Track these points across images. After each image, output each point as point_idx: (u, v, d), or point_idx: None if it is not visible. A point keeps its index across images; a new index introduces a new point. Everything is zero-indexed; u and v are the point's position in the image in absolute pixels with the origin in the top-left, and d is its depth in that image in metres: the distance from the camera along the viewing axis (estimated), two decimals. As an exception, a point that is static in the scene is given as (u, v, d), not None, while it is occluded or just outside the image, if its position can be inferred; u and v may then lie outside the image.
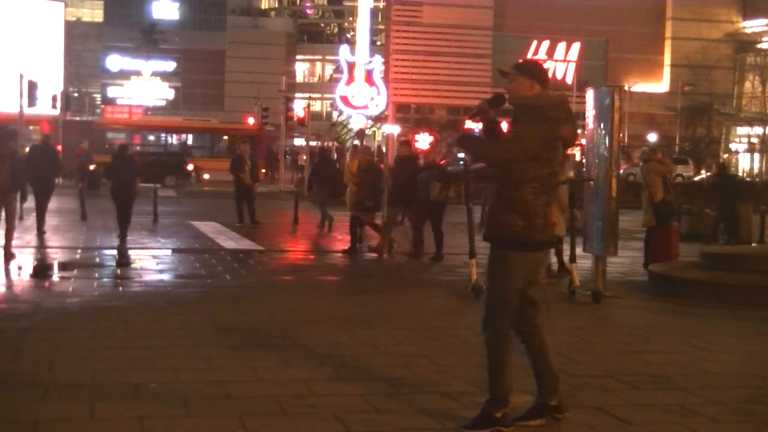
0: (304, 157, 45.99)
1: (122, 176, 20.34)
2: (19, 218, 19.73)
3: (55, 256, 17.71)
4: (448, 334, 10.64)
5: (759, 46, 79.80)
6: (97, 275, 15.27)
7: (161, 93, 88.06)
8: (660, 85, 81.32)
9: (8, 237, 16.75)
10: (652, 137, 70.41)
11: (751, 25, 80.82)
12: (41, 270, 15.23)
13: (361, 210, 20.37)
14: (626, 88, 71.32)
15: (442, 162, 33.93)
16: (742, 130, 78.81)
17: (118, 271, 15.69)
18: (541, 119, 6.68)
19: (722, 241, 23.27)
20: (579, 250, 14.38)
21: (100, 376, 8.15)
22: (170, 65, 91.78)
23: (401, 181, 19.37)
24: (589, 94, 14.30)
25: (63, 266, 16.15)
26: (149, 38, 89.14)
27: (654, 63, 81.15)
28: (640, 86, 76.22)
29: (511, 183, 6.68)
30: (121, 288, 13.92)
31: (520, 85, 6.95)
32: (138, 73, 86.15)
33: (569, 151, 6.98)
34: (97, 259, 17.64)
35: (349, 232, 20.50)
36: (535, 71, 7.04)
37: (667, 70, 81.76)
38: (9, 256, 16.48)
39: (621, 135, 15.90)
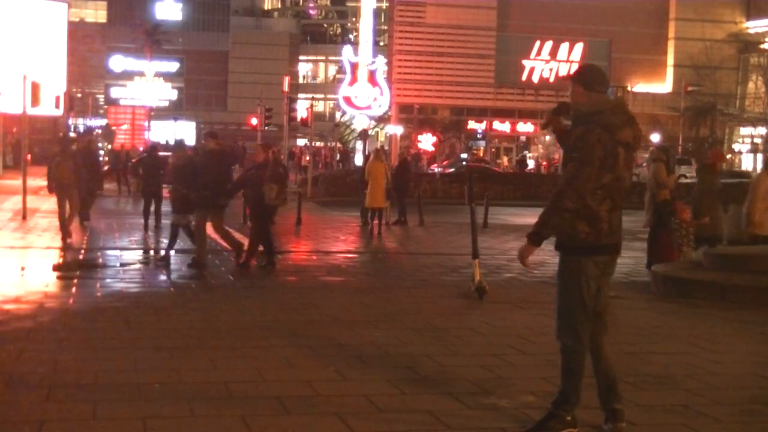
0: (307, 158, 45.93)
1: (152, 176, 23.66)
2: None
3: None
4: (452, 334, 10.63)
5: (763, 46, 79.67)
6: (101, 275, 15.27)
7: (164, 94, 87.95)
8: (663, 85, 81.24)
9: (69, 221, 21.05)
10: (656, 138, 70.37)
11: (755, 26, 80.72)
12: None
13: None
14: (629, 88, 71.39)
15: (445, 162, 34.11)
16: (745, 130, 78.70)
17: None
18: (598, 125, 6.69)
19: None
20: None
21: (103, 377, 8.15)
22: (173, 66, 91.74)
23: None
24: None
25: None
26: (152, 39, 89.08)
27: (657, 63, 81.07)
28: (643, 87, 76.20)
29: (565, 190, 6.72)
30: (124, 289, 13.93)
31: (575, 93, 6.93)
32: (141, 74, 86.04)
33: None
34: (100, 260, 17.67)
35: None
36: (586, 77, 6.99)
37: (670, 71, 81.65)
38: (67, 235, 20.37)
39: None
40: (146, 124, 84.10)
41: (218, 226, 17.60)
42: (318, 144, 79.29)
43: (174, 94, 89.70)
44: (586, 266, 6.75)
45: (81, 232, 22.72)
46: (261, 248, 16.98)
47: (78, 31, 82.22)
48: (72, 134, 66.94)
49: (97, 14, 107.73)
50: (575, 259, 6.78)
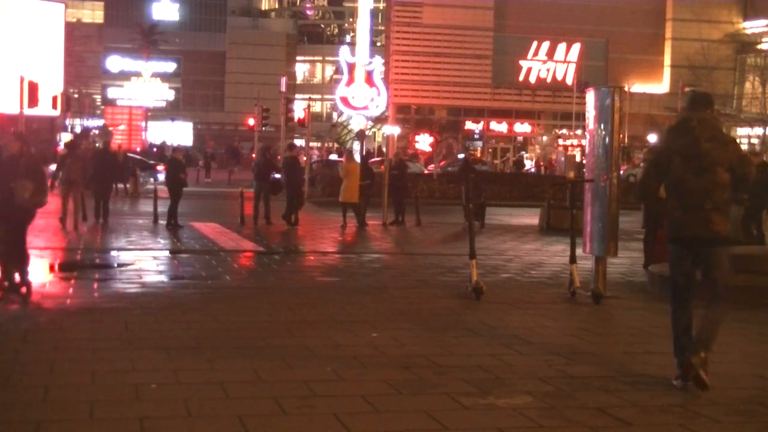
0: (305, 158, 45.90)
1: (176, 175, 25.44)
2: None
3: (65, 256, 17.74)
4: (449, 335, 10.63)
5: (759, 46, 79.80)
6: (97, 276, 15.27)
7: (161, 94, 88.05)
8: (660, 85, 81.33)
9: (74, 217, 23.17)
10: (653, 138, 70.40)
11: (752, 26, 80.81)
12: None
13: None
14: (626, 88, 71.44)
15: (442, 163, 34.13)
16: (742, 130, 78.78)
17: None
18: (665, 136, 8.39)
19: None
20: (579, 251, 14.38)
21: (100, 377, 8.15)
22: (170, 66, 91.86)
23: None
24: (590, 95, 14.31)
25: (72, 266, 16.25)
26: (149, 39, 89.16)
27: (654, 64, 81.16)
28: (640, 87, 76.27)
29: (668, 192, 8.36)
30: (122, 290, 13.92)
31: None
32: (138, 74, 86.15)
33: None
34: (98, 260, 17.68)
35: None
36: (690, 98, 8.66)
37: (667, 71, 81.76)
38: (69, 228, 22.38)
39: (621, 136, 15.87)
40: (143, 124, 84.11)
41: None
42: (314, 144, 79.16)
43: (171, 95, 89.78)
44: (672, 251, 8.53)
45: (93, 231, 23.13)
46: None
47: (75, 32, 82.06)
48: (67, 134, 67.41)
49: (94, 15, 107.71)
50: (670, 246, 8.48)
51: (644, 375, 8.84)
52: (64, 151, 26.01)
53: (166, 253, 19.59)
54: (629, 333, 11.42)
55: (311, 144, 58.17)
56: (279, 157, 34.06)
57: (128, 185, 39.15)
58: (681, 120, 8.47)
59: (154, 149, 68.49)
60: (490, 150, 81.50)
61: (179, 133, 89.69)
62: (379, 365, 8.95)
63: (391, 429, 6.93)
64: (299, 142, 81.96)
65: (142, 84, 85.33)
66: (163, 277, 15.68)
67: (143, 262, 17.37)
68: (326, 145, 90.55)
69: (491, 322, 11.54)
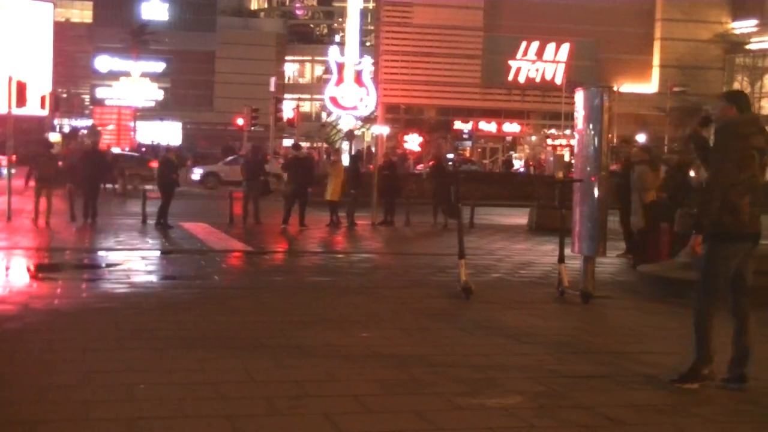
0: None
1: (169, 175, 25.78)
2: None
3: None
4: (441, 335, 10.63)
5: (748, 47, 79.99)
6: (86, 276, 15.23)
7: (151, 94, 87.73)
8: (649, 85, 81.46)
9: (47, 216, 23.63)
10: (642, 138, 70.50)
11: (740, 26, 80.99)
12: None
13: None
14: (615, 88, 71.53)
15: (431, 163, 34.14)
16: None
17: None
18: (733, 134, 8.31)
19: None
20: (568, 251, 14.40)
21: (94, 377, 8.12)
22: (160, 66, 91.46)
23: None
24: (579, 95, 14.32)
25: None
26: (139, 39, 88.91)
27: (643, 63, 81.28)
28: (629, 87, 76.34)
29: (713, 187, 8.25)
30: (111, 290, 13.89)
31: (723, 109, 8.63)
32: (127, 74, 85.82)
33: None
34: (86, 261, 17.64)
35: None
36: (736, 98, 8.81)
37: (656, 71, 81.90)
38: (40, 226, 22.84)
39: (610, 136, 15.90)
40: (132, 124, 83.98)
41: None
42: (304, 144, 79.04)
43: (160, 95, 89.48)
44: (725, 251, 8.30)
45: (82, 231, 22.97)
46: None
47: (64, 32, 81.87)
48: (56, 134, 67.36)
49: (83, 14, 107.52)
50: (716, 244, 8.27)
51: (636, 374, 8.85)
52: (40, 150, 26.19)
53: (156, 253, 19.57)
54: (620, 332, 11.45)
55: (303, 144, 58.07)
56: (268, 157, 34.04)
57: (117, 185, 39.13)
58: (747, 119, 8.61)
59: (143, 149, 68.39)
60: (479, 150, 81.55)
61: (169, 133, 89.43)
62: (370, 365, 8.95)
63: (382, 429, 6.93)
64: (288, 142, 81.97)
65: (131, 84, 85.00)
66: (152, 278, 15.66)
67: (132, 262, 17.33)
68: (315, 144, 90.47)
69: (482, 322, 11.55)
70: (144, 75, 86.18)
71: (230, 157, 53.79)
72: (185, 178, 44.24)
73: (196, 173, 50.72)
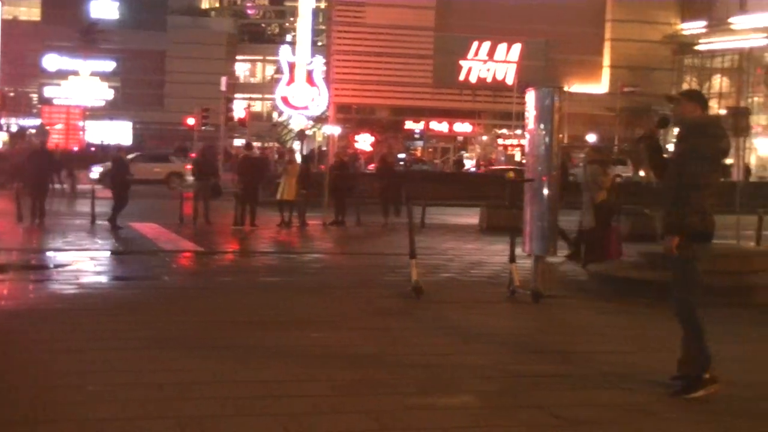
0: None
1: (122, 175, 25.50)
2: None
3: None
4: (392, 335, 10.61)
5: (697, 47, 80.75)
6: (32, 277, 15.06)
7: (100, 93, 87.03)
8: (600, 86, 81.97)
9: None
10: (592, 138, 70.93)
11: (689, 27, 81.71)
12: None
13: None
14: (566, 88, 71.93)
15: (376, 165, 34.30)
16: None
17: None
18: (707, 135, 8.16)
19: None
20: (518, 251, 14.44)
21: (46, 379, 8.02)
22: (109, 65, 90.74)
23: None
24: (530, 95, 14.35)
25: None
26: (88, 38, 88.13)
27: (594, 64, 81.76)
28: (579, 87, 76.74)
29: (690, 188, 8.07)
30: (60, 291, 13.73)
31: (686, 108, 8.44)
32: (76, 73, 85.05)
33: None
34: (33, 261, 17.45)
35: None
36: (699, 97, 8.74)
37: (606, 71, 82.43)
38: None
39: (561, 135, 15.95)
40: (81, 123, 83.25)
41: None
42: (256, 144, 78.74)
43: (110, 94, 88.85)
44: (699, 250, 8.19)
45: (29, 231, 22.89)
46: None
47: (11, 30, 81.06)
48: (3, 134, 66.67)
49: (31, 12, 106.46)
50: (689, 245, 8.11)
51: (587, 373, 8.86)
52: None
53: (105, 253, 19.39)
54: (570, 332, 11.49)
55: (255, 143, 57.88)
56: (219, 157, 33.89)
57: (65, 185, 38.74)
58: (716, 119, 8.88)
59: (92, 149, 67.84)
60: (430, 150, 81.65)
61: (118, 133, 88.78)
62: (322, 366, 8.90)
63: (335, 430, 6.89)
64: (239, 142, 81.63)
65: (80, 83, 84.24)
66: (101, 278, 15.51)
67: (81, 262, 17.16)
68: (266, 144, 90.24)
69: (433, 322, 11.54)
70: (93, 74, 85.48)
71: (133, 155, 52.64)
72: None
73: (95, 171, 48.46)
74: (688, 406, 7.77)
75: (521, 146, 60.84)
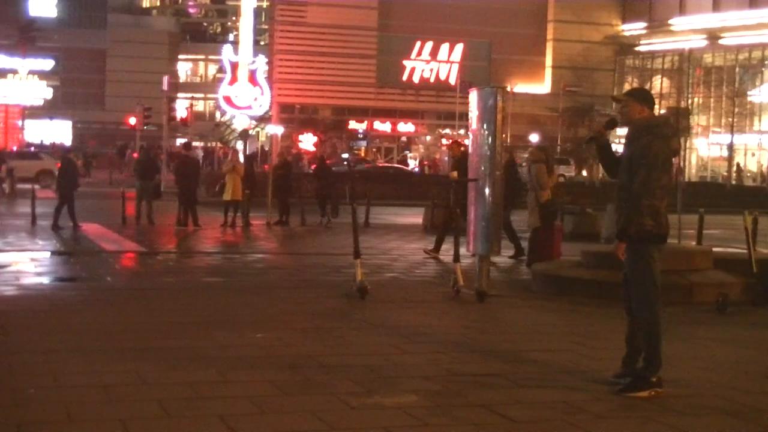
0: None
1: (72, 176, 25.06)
2: None
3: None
4: (335, 335, 10.59)
5: (637, 48, 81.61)
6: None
7: (39, 92, 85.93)
8: (542, 86, 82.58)
9: None
10: (534, 138, 71.41)
11: (630, 29, 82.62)
12: None
13: None
14: (509, 88, 72.38)
15: (313, 166, 34.33)
16: (621, 131, 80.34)
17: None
18: (658, 136, 8.12)
19: None
20: (462, 250, 14.47)
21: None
22: (48, 64, 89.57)
23: None
24: (473, 95, 14.40)
25: None
26: (26, 36, 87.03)
27: (536, 64, 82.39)
28: (522, 87, 77.27)
29: (641, 195, 8.00)
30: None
31: (634, 109, 8.37)
32: (14, 72, 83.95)
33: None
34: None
35: None
36: (646, 97, 8.61)
37: (549, 72, 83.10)
38: None
39: (504, 135, 16.04)
40: (20, 123, 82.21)
41: None
42: (198, 144, 78.26)
43: (49, 93, 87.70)
44: (655, 253, 8.15)
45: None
46: None
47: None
48: None
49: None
50: (644, 248, 8.10)
51: (529, 372, 8.90)
52: None
53: (46, 254, 19.18)
54: (513, 331, 11.53)
55: (196, 143, 57.59)
56: (162, 156, 33.66)
57: (5, 185, 38.30)
58: (665, 119, 8.81)
59: (32, 148, 67.05)
60: (374, 149, 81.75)
61: (58, 132, 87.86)
62: (265, 366, 8.86)
63: (277, 430, 6.86)
64: (180, 141, 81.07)
65: (18, 82, 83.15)
66: (42, 279, 15.33)
67: (21, 263, 16.96)
68: (209, 144, 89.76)
69: (377, 322, 11.54)
70: (32, 73, 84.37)
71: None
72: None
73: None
74: (631, 405, 7.83)
75: (465, 146, 60.98)
